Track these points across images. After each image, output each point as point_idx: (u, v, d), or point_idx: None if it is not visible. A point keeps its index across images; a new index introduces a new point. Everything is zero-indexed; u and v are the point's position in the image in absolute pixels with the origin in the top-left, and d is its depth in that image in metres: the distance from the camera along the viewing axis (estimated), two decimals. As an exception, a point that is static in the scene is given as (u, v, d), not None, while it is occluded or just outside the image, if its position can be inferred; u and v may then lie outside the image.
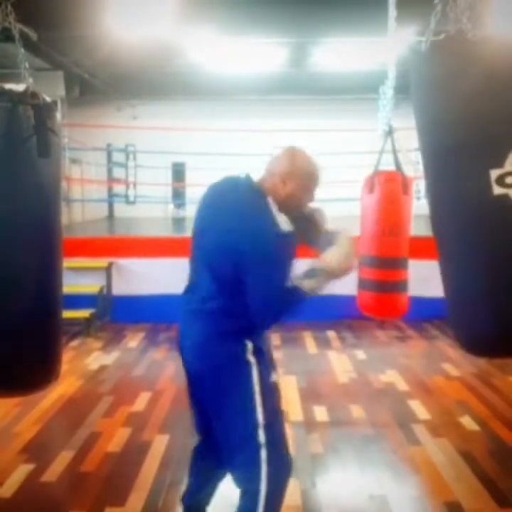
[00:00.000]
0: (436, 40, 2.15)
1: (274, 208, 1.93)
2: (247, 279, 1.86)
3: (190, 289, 2.08)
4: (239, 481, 2.01)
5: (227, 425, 1.98)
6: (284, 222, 1.89)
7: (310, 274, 1.92)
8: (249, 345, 1.95)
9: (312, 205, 2.12)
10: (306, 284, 1.90)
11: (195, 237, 2.07)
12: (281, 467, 1.97)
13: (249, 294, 1.88)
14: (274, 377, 2.01)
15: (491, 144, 1.96)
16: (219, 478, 2.26)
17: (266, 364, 1.99)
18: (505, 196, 1.93)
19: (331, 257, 1.92)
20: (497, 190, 1.93)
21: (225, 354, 1.95)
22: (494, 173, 1.93)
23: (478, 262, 2.06)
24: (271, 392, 1.98)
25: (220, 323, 1.96)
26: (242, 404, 1.93)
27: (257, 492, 1.91)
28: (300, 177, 1.98)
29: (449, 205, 2.11)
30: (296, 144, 2.07)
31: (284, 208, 1.95)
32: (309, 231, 2.07)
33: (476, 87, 1.98)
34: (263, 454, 1.91)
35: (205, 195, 2.08)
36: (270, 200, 1.95)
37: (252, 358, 1.95)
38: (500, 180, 1.92)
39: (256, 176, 2.03)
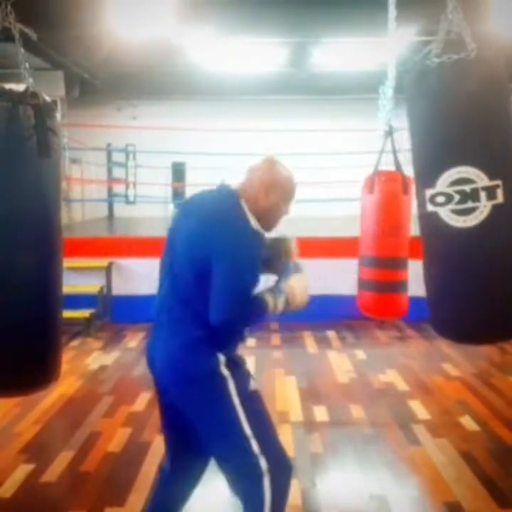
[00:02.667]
0: (407, 74, 2.40)
1: (246, 209, 1.92)
2: (216, 274, 1.80)
3: (159, 302, 2.08)
4: (241, 495, 1.96)
5: (217, 444, 1.94)
6: (254, 222, 1.90)
7: (275, 292, 1.91)
8: (222, 358, 1.90)
9: (283, 231, 2.12)
10: (270, 300, 1.88)
11: (166, 250, 2.06)
12: (282, 472, 1.94)
13: (214, 292, 1.80)
14: (252, 385, 1.96)
15: (427, 166, 2.22)
16: (185, 500, 2.17)
17: (241, 374, 1.95)
18: (435, 214, 2.17)
19: (296, 286, 1.93)
20: (429, 207, 2.18)
21: (199, 369, 1.90)
22: (428, 193, 2.18)
23: (425, 263, 2.43)
24: (252, 402, 1.93)
25: (190, 334, 1.91)
26: (225, 421, 1.89)
27: (262, 503, 1.88)
28: (282, 189, 1.98)
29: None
30: (288, 147, 2.11)
31: (260, 218, 1.95)
32: (274, 257, 2.04)
33: (422, 116, 2.28)
34: (262, 464, 1.87)
35: (177, 213, 2.07)
36: (243, 203, 1.93)
37: (226, 371, 1.90)
38: (432, 199, 2.17)
39: (234, 184, 2.00)
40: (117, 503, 2.71)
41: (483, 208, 2.12)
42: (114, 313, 6.12)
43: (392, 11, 4.02)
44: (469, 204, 2.13)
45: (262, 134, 10.78)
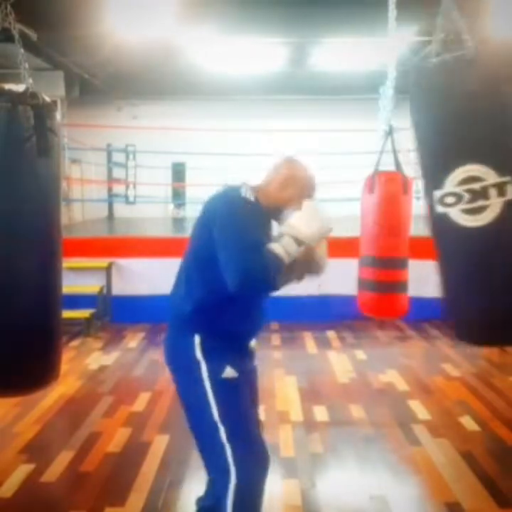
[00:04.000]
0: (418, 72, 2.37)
1: (247, 194, 1.96)
2: (219, 248, 1.85)
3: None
4: (213, 480, 2.01)
5: (191, 425, 2.03)
6: (249, 194, 1.96)
7: (278, 239, 1.90)
8: (198, 340, 1.96)
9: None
10: (276, 247, 1.85)
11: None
12: (252, 463, 1.93)
13: (223, 264, 1.84)
14: (228, 372, 1.96)
15: (434, 166, 2.19)
16: None
17: (219, 359, 1.96)
18: (445, 215, 2.13)
19: (294, 220, 1.91)
20: (439, 209, 2.14)
21: (179, 353, 2.01)
22: (437, 194, 2.14)
23: (439, 265, 2.38)
24: (227, 389, 1.95)
25: (181, 311, 1.99)
26: (195, 404, 1.97)
27: (226, 491, 1.89)
28: (299, 184, 2.03)
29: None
30: (295, 147, 2.12)
31: (272, 210, 2.01)
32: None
33: (427, 116, 2.24)
34: (227, 451, 1.90)
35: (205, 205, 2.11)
36: (248, 192, 1.97)
37: (199, 355, 1.95)
38: (442, 200, 2.13)
39: (254, 181, 2.05)
40: (117, 503, 2.70)
41: (495, 206, 2.07)
42: (114, 313, 6.12)
43: (392, 10, 4.01)
44: (480, 202, 2.08)
45: (261, 134, 10.79)
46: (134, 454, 3.20)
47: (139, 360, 4.96)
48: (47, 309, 2.35)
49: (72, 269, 5.41)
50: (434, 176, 2.22)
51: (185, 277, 2.03)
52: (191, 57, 9.93)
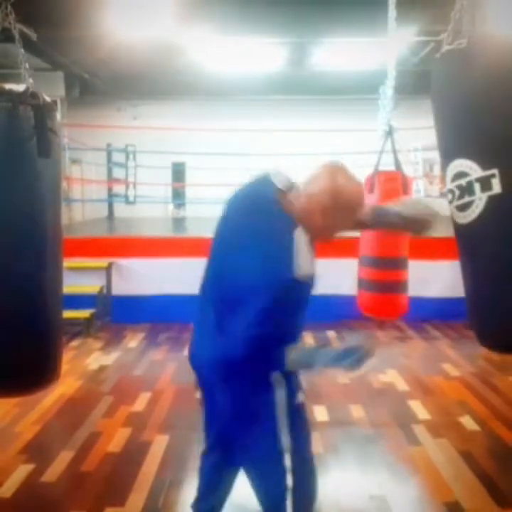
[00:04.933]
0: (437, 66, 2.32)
1: (301, 241, 1.76)
2: (247, 309, 1.72)
3: (207, 298, 1.95)
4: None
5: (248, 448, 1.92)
6: (305, 264, 1.75)
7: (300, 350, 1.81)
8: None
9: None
10: (296, 356, 1.75)
11: (215, 245, 1.95)
12: (306, 489, 1.92)
13: (240, 321, 1.73)
14: (301, 397, 1.89)
15: (441, 162, 2.18)
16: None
17: (289, 384, 1.86)
18: (451, 213, 2.11)
19: (405, 200, 1.80)
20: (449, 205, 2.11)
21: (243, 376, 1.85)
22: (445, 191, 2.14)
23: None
24: (296, 416, 1.87)
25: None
26: (262, 428, 1.87)
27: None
28: (343, 212, 1.79)
29: None
30: (337, 161, 1.82)
31: (315, 236, 1.83)
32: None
33: (434, 111, 2.25)
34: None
35: (231, 202, 1.95)
36: (299, 231, 1.77)
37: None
38: (447, 198, 2.11)
39: (284, 183, 1.86)
40: (117, 503, 2.70)
41: (479, 201, 1.99)
42: (114, 313, 6.12)
43: (392, 10, 4.02)
44: (466, 198, 2.02)
45: (261, 134, 10.79)
46: (134, 454, 3.21)
47: (139, 360, 4.96)
48: (47, 309, 2.35)
49: (72, 269, 5.41)
50: (443, 172, 2.19)
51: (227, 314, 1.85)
52: (191, 57, 9.92)
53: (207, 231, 2.28)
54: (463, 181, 2.02)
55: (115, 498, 2.75)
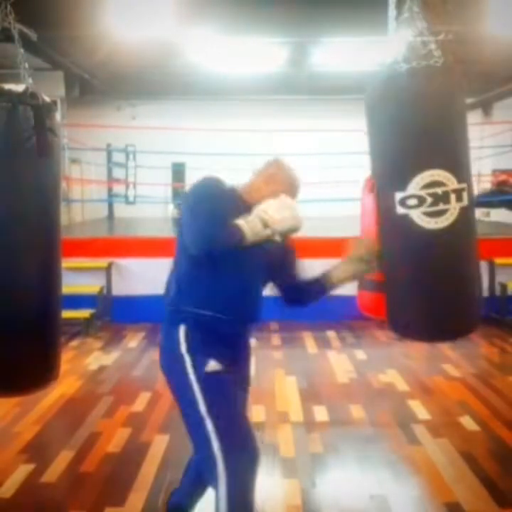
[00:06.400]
0: (383, 77, 2.47)
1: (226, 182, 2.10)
2: (184, 221, 2.01)
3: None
4: (206, 474, 2.02)
5: (183, 417, 2.04)
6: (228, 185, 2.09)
7: (246, 219, 1.97)
8: (182, 331, 2.01)
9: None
10: (241, 222, 1.91)
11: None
12: (240, 456, 1.91)
13: (186, 231, 1.98)
14: (212, 366, 1.98)
15: (397, 170, 2.29)
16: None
17: (203, 352, 1.99)
18: (406, 216, 2.24)
19: (266, 205, 1.97)
20: (400, 210, 2.25)
21: (166, 349, 2.09)
22: (398, 196, 2.24)
23: (390, 266, 2.43)
24: (210, 383, 1.96)
25: (169, 300, 2.08)
26: (182, 396, 2.01)
27: (217, 484, 1.88)
28: (282, 182, 2.12)
29: (378, 218, 2.45)
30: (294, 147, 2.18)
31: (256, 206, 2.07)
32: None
33: (391, 121, 2.31)
34: (214, 445, 1.90)
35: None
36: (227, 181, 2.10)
37: (184, 349, 2.00)
38: (403, 202, 2.24)
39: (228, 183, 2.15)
40: (117, 503, 2.71)
41: (453, 210, 2.22)
42: (114, 313, 6.13)
43: (392, 11, 4.02)
44: (441, 206, 2.21)
45: (261, 134, 10.79)
46: (133, 454, 3.21)
47: (139, 360, 4.97)
48: (46, 309, 2.35)
49: (72, 269, 5.41)
50: (395, 179, 2.31)
51: (174, 265, 2.11)
52: (191, 57, 9.92)
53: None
54: (438, 190, 2.22)
55: (115, 498, 2.75)
